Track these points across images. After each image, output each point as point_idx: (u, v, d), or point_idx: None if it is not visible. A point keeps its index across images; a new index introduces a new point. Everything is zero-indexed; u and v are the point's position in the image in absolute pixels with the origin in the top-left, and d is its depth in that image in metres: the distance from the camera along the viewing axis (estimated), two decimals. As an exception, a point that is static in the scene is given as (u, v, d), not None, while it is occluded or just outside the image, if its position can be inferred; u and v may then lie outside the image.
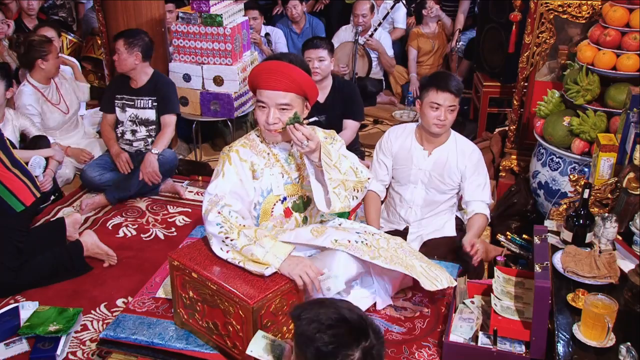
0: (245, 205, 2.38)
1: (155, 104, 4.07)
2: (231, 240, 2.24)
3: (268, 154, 2.46)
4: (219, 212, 2.27)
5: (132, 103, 4.09)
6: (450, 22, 5.92)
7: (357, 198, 2.47)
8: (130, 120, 4.11)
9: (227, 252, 2.27)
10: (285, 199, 2.48)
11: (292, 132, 2.29)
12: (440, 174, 2.98)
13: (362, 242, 2.36)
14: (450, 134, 3.01)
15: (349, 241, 2.35)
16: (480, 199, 2.95)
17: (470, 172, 2.95)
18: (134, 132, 4.12)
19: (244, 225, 2.28)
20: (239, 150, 2.42)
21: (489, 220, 3.01)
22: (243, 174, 2.38)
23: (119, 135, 4.17)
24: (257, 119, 2.40)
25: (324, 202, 2.39)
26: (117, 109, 4.12)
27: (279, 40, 5.65)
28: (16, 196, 3.21)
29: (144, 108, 4.08)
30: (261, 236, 2.25)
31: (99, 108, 4.42)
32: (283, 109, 2.33)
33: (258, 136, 2.49)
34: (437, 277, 2.38)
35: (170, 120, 4.09)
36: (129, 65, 3.98)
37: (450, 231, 3.07)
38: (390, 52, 5.75)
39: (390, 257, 2.35)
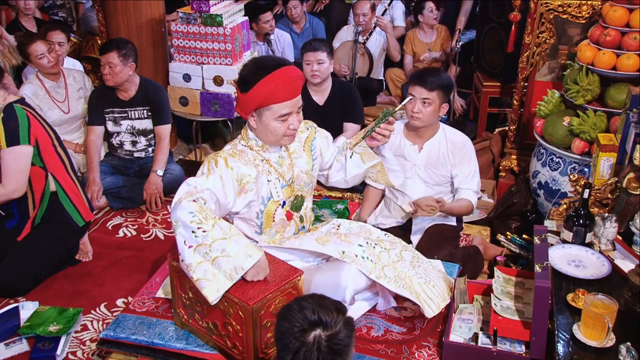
0: (218, 209, 2.29)
1: (150, 113, 3.97)
2: (203, 231, 2.08)
3: (262, 160, 2.42)
4: (195, 201, 2.14)
5: (125, 115, 3.97)
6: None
7: None
8: (128, 132, 4.00)
9: (190, 247, 2.11)
10: (284, 203, 2.48)
11: (382, 132, 2.50)
12: (435, 166, 3.03)
13: (367, 257, 2.38)
14: (439, 127, 3.07)
15: (356, 255, 2.37)
16: (468, 187, 3.02)
17: (459, 160, 3.01)
18: (134, 142, 4.03)
19: (219, 219, 2.16)
20: (227, 158, 2.34)
21: (474, 208, 3.05)
22: (227, 179, 2.31)
23: (117, 144, 4.04)
24: (275, 131, 2.33)
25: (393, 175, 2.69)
26: (109, 123, 3.98)
27: (286, 45, 5.63)
28: (79, 211, 3.27)
29: (139, 119, 3.97)
30: (236, 232, 2.15)
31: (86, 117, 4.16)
32: (299, 111, 2.37)
33: (245, 145, 2.43)
34: (433, 298, 2.39)
35: (165, 131, 3.98)
36: (125, 76, 3.83)
37: (451, 221, 3.12)
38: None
39: (395, 278, 2.37)
